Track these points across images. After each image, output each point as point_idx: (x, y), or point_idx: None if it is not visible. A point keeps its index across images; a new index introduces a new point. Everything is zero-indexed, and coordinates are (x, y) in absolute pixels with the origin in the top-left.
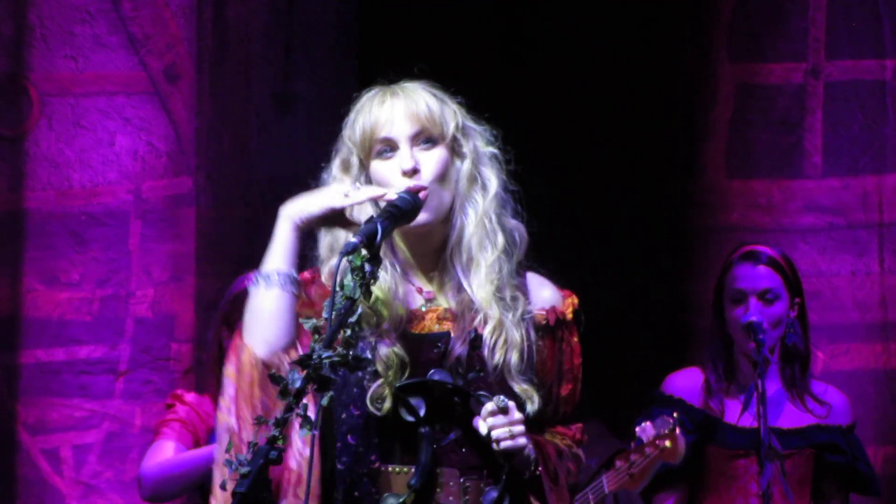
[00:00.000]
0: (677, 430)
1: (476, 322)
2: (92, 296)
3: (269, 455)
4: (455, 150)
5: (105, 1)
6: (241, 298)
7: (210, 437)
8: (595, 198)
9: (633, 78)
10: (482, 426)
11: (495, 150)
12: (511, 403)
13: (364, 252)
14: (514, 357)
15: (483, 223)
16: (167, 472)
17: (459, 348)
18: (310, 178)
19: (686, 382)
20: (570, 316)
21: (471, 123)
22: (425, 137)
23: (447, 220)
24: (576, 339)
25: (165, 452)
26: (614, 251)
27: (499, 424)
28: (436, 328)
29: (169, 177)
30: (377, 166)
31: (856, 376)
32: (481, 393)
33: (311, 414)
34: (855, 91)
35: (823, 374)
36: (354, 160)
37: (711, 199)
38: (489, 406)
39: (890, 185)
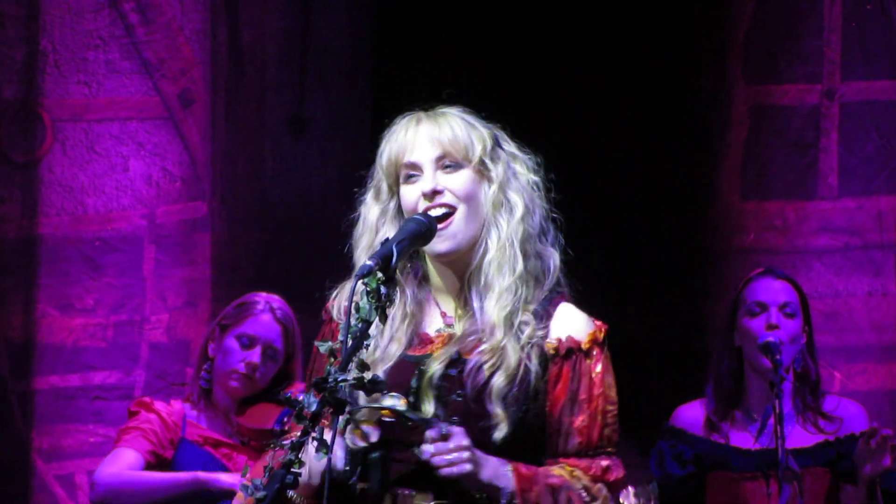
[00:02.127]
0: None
1: (475, 345)
2: (106, 321)
3: (285, 479)
4: (483, 174)
5: (118, 26)
6: (242, 309)
7: (179, 445)
8: (610, 219)
9: (649, 99)
10: (423, 452)
11: (536, 178)
12: (456, 430)
13: (379, 275)
14: (499, 380)
15: (504, 248)
16: (123, 485)
17: (436, 369)
18: (322, 202)
19: (692, 414)
20: (586, 345)
21: (511, 149)
22: (449, 161)
23: (473, 245)
24: (598, 370)
25: (124, 460)
26: (630, 273)
27: (439, 451)
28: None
29: (183, 201)
30: (404, 191)
31: (872, 396)
32: (429, 419)
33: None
34: (870, 112)
35: (840, 395)
36: (384, 186)
37: (727, 221)
38: (430, 433)
39: None
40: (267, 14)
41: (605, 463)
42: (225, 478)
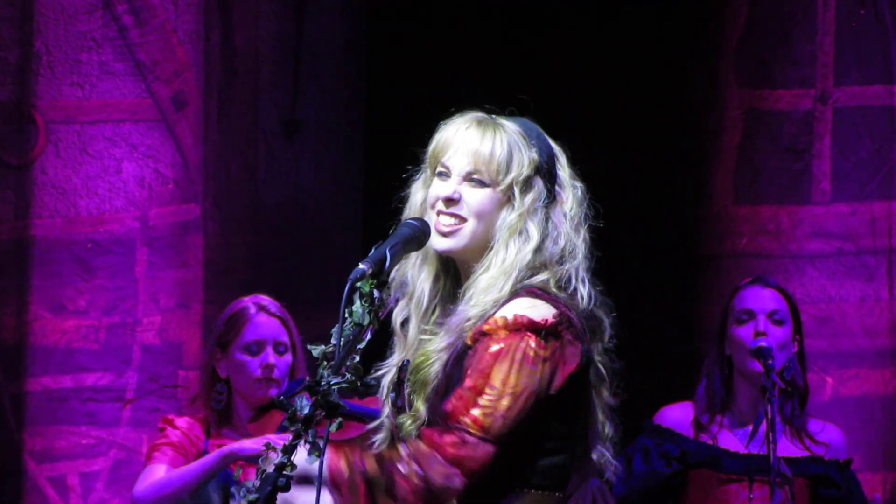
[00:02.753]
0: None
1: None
2: (99, 323)
3: (277, 482)
4: (509, 199)
5: (111, 28)
6: (235, 320)
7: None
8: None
9: (642, 103)
10: None
11: (578, 210)
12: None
13: (373, 279)
14: (421, 385)
15: (504, 272)
16: (160, 492)
17: (389, 376)
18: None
19: (678, 415)
20: (486, 328)
21: (564, 175)
22: (477, 177)
23: (477, 258)
24: (493, 349)
25: (157, 475)
26: (623, 277)
27: None
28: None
29: (176, 204)
30: (433, 184)
31: (864, 402)
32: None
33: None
34: (863, 116)
35: (832, 400)
36: (429, 174)
37: (720, 225)
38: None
39: None
40: (260, 17)
41: (451, 438)
42: (248, 444)
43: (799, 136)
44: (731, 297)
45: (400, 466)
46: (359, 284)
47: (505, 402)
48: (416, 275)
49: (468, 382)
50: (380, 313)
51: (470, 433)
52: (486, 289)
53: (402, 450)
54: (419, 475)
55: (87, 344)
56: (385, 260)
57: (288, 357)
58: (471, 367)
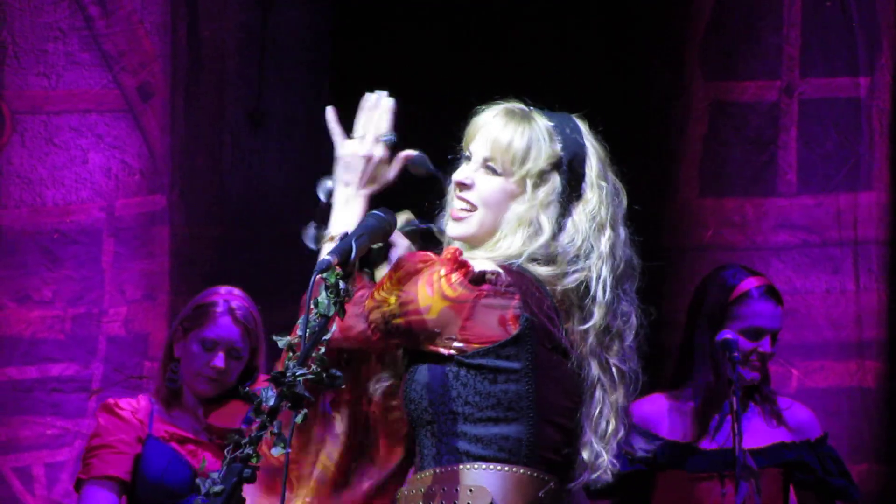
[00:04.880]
0: None
1: None
2: (64, 314)
3: (242, 473)
4: (522, 190)
5: (78, 18)
6: (201, 311)
7: (146, 442)
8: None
9: (607, 95)
10: None
11: (603, 211)
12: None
13: (339, 270)
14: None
15: (509, 258)
16: None
17: None
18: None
19: (648, 409)
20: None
21: (591, 175)
22: (492, 166)
23: (482, 244)
24: (410, 259)
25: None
26: None
27: None
28: None
29: (142, 194)
30: (459, 168)
31: (830, 394)
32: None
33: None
34: (829, 109)
35: (798, 392)
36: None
37: (685, 218)
38: None
39: (864, 203)
40: (226, 9)
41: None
42: None
43: (764, 128)
44: (737, 301)
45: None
46: (324, 276)
47: (392, 302)
48: None
49: (379, 289)
50: (345, 304)
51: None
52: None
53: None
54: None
55: (52, 334)
56: (351, 251)
57: (240, 364)
58: (390, 266)
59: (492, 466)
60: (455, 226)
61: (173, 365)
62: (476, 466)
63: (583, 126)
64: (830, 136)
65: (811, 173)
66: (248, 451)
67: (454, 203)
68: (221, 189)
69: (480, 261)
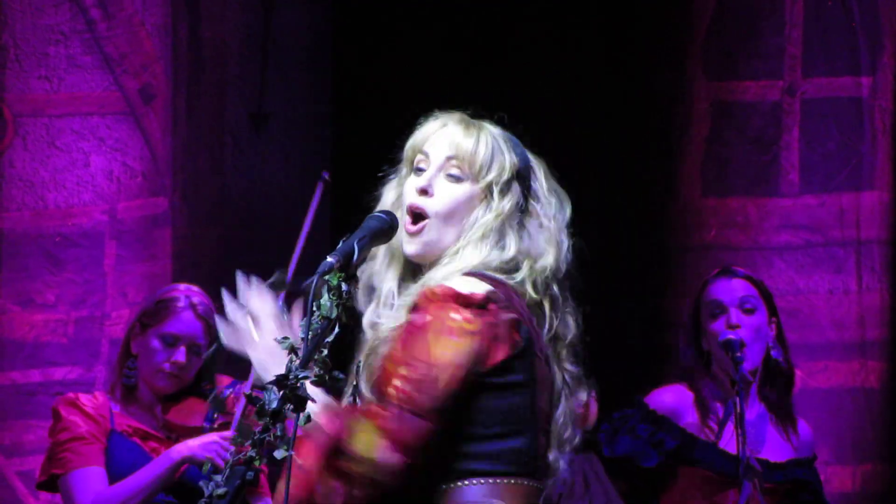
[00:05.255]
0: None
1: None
2: (67, 317)
3: (245, 476)
4: (486, 199)
5: (79, 21)
6: (162, 306)
7: (110, 437)
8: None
9: (609, 96)
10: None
11: (554, 224)
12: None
13: (341, 272)
14: (369, 372)
15: (467, 268)
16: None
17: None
18: (283, 198)
19: (673, 399)
20: (416, 301)
21: (541, 189)
22: (456, 171)
23: (444, 251)
24: (416, 321)
25: (95, 485)
26: (590, 270)
27: None
28: None
29: (144, 197)
30: (408, 181)
31: (833, 394)
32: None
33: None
34: (831, 108)
35: (801, 392)
36: (404, 171)
37: (687, 218)
38: None
39: (867, 203)
40: (227, 10)
41: (380, 409)
42: (197, 446)
43: (767, 127)
44: (701, 292)
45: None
46: (327, 277)
47: (430, 374)
48: (381, 275)
49: (392, 353)
50: (348, 306)
51: (394, 405)
52: (437, 274)
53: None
54: (349, 440)
55: (55, 338)
56: (353, 253)
57: (198, 361)
58: (397, 338)
59: (498, 481)
60: (412, 241)
61: (130, 361)
62: (483, 482)
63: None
64: (833, 135)
65: (814, 173)
66: (252, 453)
67: (407, 219)
68: (223, 190)
69: (459, 280)
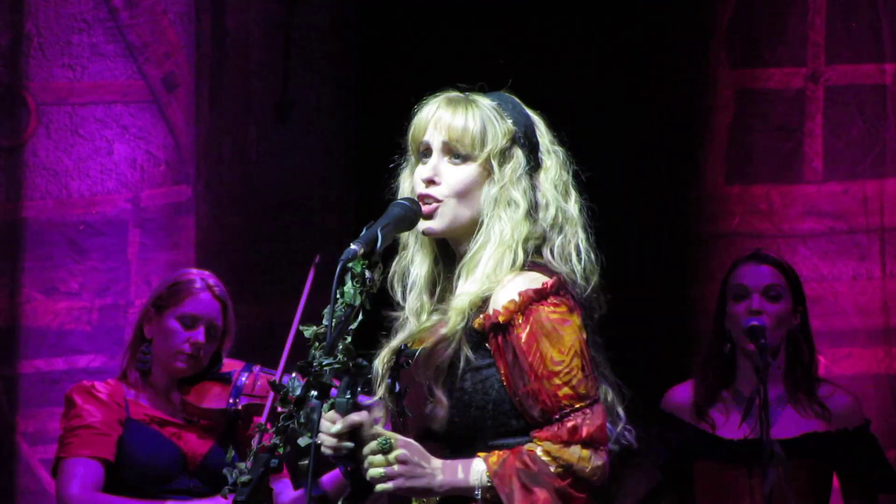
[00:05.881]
0: None
1: (435, 332)
2: (91, 305)
3: (269, 463)
4: (489, 172)
5: (102, 9)
6: (179, 288)
7: (126, 425)
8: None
9: (633, 84)
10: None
11: (564, 175)
12: (401, 441)
13: (364, 259)
14: (434, 371)
15: (505, 244)
16: None
17: (386, 363)
18: (307, 186)
19: (682, 396)
20: (503, 318)
21: (544, 142)
22: (455, 152)
23: (467, 235)
24: (523, 338)
25: (85, 474)
26: (615, 257)
27: (375, 464)
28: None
29: (168, 185)
30: (416, 170)
31: (857, 380)
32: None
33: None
34: (855, 95)
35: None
36: (413, 161)
37: (712, 205)
38: (372, 445)
39: (891, 190)
40: None
41: (570, 423)
42: None
43: (791, 115)
44: (729, 273)
45: (550, 468)
46: (350, 265)
47: (576, 363)
48: (415, 261)
49: (534, 378)
50: (371, 294)
51: (578, 409)
52: (487, 264)
53: (539, 452)
54: (569, 470)
55: (79, 326)
56: (377, 240)
57: (215, 344)
58: (522, 365)
59: None
60: (427, 222)
61: (144, 346)
62: None
63: (517, 99)
64: (856, 122)
65: (837, 160)
66: (275, 440)
67: (422, 201)
68: (247, 179)
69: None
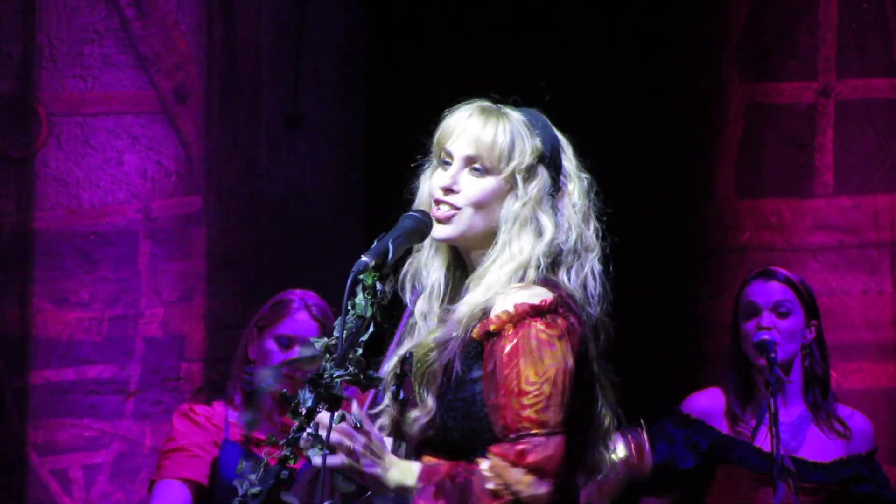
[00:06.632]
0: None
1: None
2: (101, 316)
3: (280, 475)
4: (512, 187)
5: (113, 20)
6: (278, 308)
7: (223, 447)
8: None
9: (644, 97)
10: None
11: (586, 202)
12: (370, 427)
13: (375, 271)
14: (428, 378)
15: (522, 265)
16: None
17: (391, 371)
18: (317, 197)
19: (706, 402)
20: (494, 326)
21: (570, 167)
22: (478, 164)
23: (480, 248)
24: (507, 350)
25: (172, 497)
26: (625, 271)
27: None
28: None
29: (178, 196)
30: (435, 174)
31: (867, 395)
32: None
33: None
34: (866, 109)
35: (836, 393)
36: (436, 163)
37: (722, 219)
38: (338, 414)
39: None
40: (262, 10)
41: (521, 447)
42: None
43: (801, 129)
44: (740, 291)
45: (487, 484)
46: (361, 277)
47: (547, 390)
48: (428, 266)
49: (504, 392)
50: (382, 305)
51: (534, 434)
52: (499, 278)
53: (484, 467)
54: (507, 489)
55: (89, 336)
56: (388, 252)
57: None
58: (497, 376)
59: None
60: (441, 228)
61: (249, 367)
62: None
63: (548, 119)
64: (867, 136)
65: (848, 174)
66: (286, 452)
67: (438, 207)
68: (257, 190)
69: (524, 293)
